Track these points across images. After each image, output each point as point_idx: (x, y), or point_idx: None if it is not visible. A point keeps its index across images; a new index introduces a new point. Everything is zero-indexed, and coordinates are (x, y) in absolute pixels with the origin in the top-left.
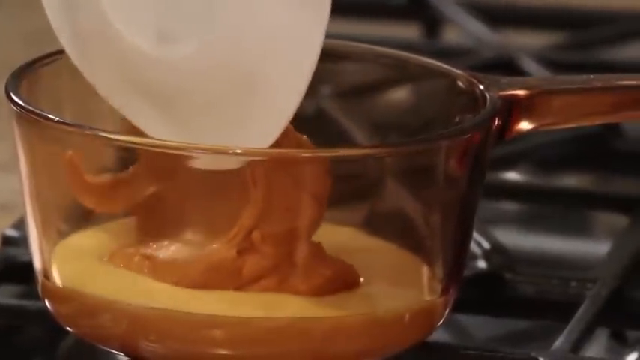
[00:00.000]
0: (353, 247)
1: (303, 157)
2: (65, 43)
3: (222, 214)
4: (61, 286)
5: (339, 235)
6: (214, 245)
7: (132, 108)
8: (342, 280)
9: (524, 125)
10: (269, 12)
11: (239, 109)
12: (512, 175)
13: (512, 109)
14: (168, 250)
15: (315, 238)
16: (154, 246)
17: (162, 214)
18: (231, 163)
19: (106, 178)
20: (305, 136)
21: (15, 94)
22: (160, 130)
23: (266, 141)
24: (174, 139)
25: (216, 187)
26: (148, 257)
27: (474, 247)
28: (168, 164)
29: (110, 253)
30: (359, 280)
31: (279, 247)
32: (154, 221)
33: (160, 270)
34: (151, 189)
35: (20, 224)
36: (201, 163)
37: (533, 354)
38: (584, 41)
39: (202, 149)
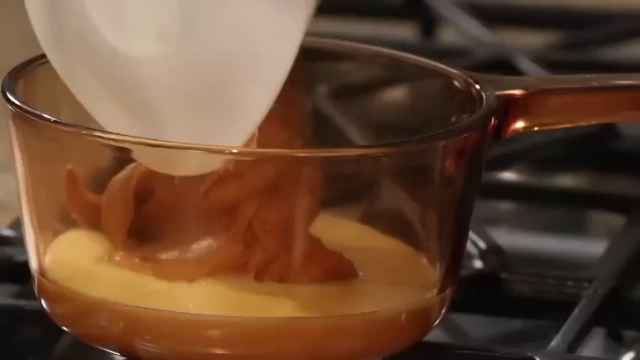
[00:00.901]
0: (352, 242)
1: (299, 157)
2: (46, 46)
3: (220, 213)
4: (57, 286)
5: (339, 230)
6: (220, 243)
7: (108, 114)
8: (339, 270)
9: (521, 125)
10: (247, 10)
11: (213, 107)
12: (508, 175)
13: (509, 108)
14: (171, 251)
15: (316, 232)
16: (156, 248)
17: (159, 220)
18: (220, 163)
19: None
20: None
21: (11, 94)
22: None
23: (241, 137)
24: (149, 156)
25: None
26: (150, 259)
27: (470, 246)
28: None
29: (110, 254)
30: (356, 273)
31: (279, 235)
32: (150, 227)
33: (166, 271)
34: (145, 207)
35: (16, 224)
36: (194, 162)
37: (529, 354)
38: (580, 41)
39: (197, 149)
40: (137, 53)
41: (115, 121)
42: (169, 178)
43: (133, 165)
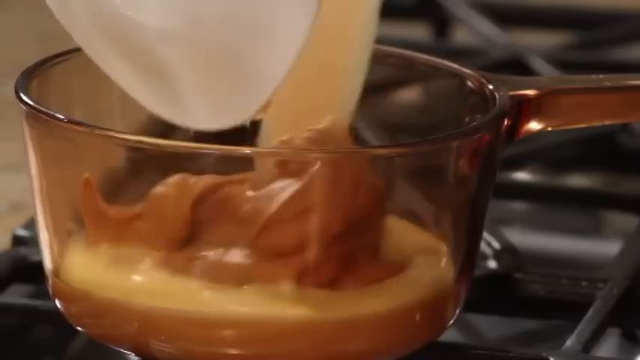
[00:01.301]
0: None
1: (311, 157)
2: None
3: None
4: (71, 285)
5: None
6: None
7: (125, 78)
8: (390, 274)
9: (534, 125)
10: None
11: (226, 75)
12: (522, 175)
13: (522, 108)
14: (220, 253)
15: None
16: (200, 248)
17: (210, 224)
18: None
19: (122, 211)
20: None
21: (25, 94)
22: (141, 92)
23: (246, 112)
24: (162, 108)
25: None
26: (197, 258)
27: (484, 247)
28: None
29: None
30: (405, 266)
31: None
32: (199, 229)
33: (217, 274)
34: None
35: (31, 224)
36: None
37: (544, 354)
38: (593, 41)
39: (213, 150)
40: (146, 20)
41: (129, 82)
42: (228, 198)
43: (180, 177)
